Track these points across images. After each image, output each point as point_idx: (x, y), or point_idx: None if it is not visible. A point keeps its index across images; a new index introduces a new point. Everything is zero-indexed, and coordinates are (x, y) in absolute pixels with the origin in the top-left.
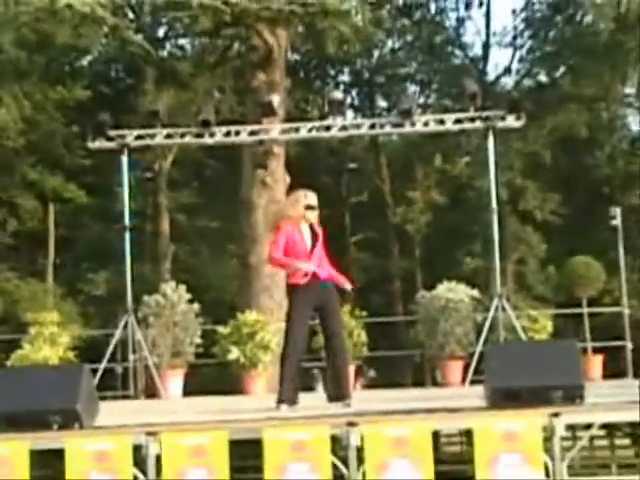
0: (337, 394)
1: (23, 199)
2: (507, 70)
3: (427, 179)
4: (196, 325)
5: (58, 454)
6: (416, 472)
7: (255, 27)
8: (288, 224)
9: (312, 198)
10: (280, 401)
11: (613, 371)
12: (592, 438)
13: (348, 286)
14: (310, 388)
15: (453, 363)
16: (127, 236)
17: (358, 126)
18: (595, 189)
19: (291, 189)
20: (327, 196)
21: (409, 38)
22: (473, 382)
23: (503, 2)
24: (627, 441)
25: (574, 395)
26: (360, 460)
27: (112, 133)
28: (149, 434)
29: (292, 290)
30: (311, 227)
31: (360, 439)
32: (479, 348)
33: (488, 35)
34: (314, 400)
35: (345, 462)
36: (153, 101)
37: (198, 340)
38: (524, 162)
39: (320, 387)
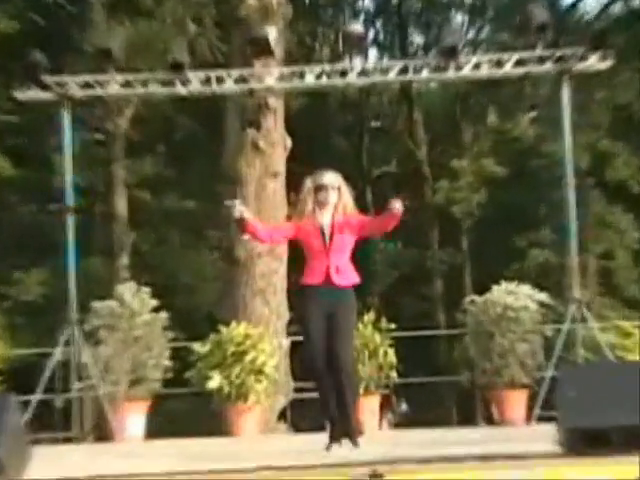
0: (340, 429)
1: None
2: None
3: (478, 143)
4: (164, 342)
5: None
6: None
7: None
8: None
9: (326, 176)
10: (330, 439)
11: None
12: None
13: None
14: (320, 427)
15: (514, 393)
16: (69, 221)
17: (384, 70)
18: None
19: (294, 156)
20: (342, 166)
21: None
22: (542, 419)
23: None
24: None
25: None
26: None
27: (49, 80)
28: None
29: (301, 292)
30: (333, 217)
31: None
32: (550, 373)
33: None
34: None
35: None
36: (104, 36)
37: (166, 362)
38: (612, 118)
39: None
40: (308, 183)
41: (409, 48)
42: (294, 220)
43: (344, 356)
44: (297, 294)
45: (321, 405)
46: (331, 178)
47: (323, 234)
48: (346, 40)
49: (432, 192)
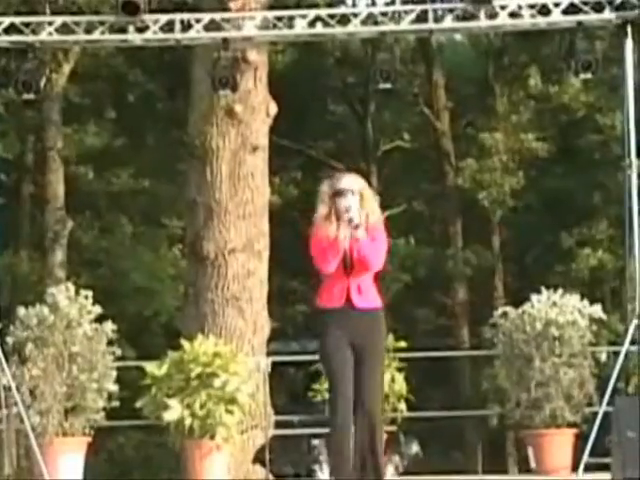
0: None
1: None
2: None
3: (516, 112)
4: (108, 361)
5: None
6: None
7: None
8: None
9: (345, 179)
10: None
11: None
12: None
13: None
14: (308, 472)
15: (557, 434)
16: None
17: (396, 17)
18: None
19: (279, 124)
20: (341, 138)
21: None
22: (593, 468)
23: None
24: None
25: None
26: None
27: None
28: None
29: (317, 316)
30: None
31: None
32: (603, 408)
33: None
34: None
35: None
36: None
37: (112, 387)
38: None
39: (325, 470)
40: (324, 188)
41: None
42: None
43: (371, 404)
44: (314, 318)
45: (336, 458)
46: (351, 182)
47: (344, 252)
48: None
49: (455, 173)
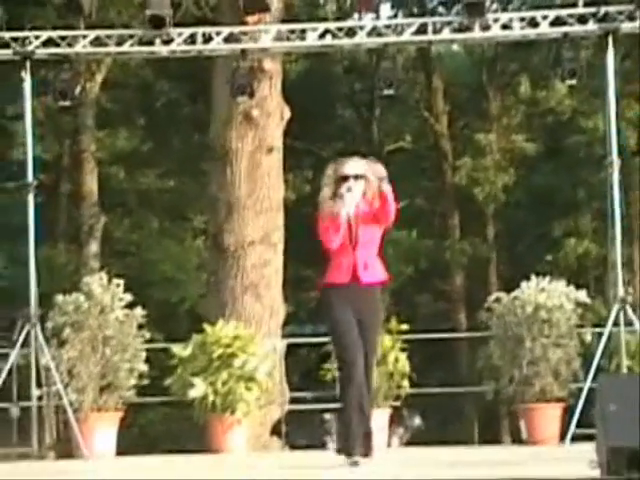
0: (345, 445)
1: None
2: None
3: (507, 115)
4: (138, 343)
5: None
6: None
7: None
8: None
9: (349, 165)
10: (349, 454)
11: None
12: None
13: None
14: (321, 444)
15: (546, 407)
16: (30, 200)
17: (399, 29)
18: None
19: (292, 127)
20: (348, 140)
21: None
22: (579, 438)
23: None
24: None
25: None
26: None
27: (6, 35)
28: None
29: (325, 292)
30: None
31: None
32: (588, 384)
33: None
34: (326, 463)
35: None
36: None
37: (142, 367)
38: None
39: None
40: (329, 171)
41: (428, 4)
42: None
43: (369, 371)
44: (321, 295)
45: (343, 417)
46: (355, 167)
47: (348, 227)
48: None
49: (453, 171)
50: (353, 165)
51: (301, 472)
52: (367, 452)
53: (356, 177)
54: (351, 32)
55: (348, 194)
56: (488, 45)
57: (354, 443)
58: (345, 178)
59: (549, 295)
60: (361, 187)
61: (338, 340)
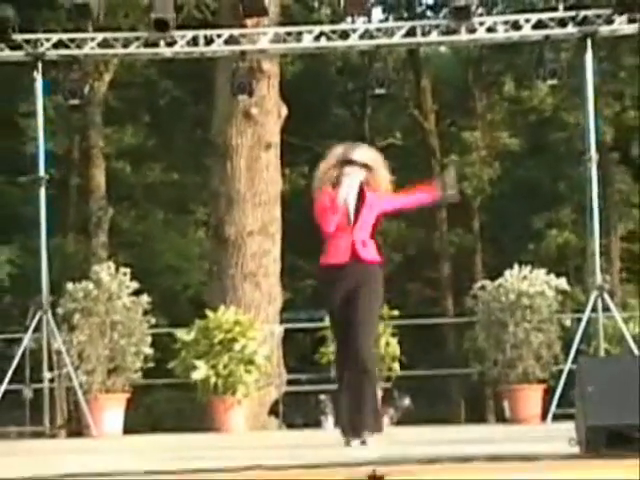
0: (351, 425)
1: None
2: None
3: (492, 113)
4: (145, 328)
5: None
6: None
7: None
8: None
9: (356, 151)
10: (347, 433)
11: None
12: None
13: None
14: (316, 423)
15: (528, 389)
16: (41, 193)
17: (389, 32)
18: None
19: (289, 124)
20: (342, 136)
21: None
22: (559, 417)
23: None
24: None
25: None
26: None
27: (18, 38)
28: None
29: (323, 273)
30: (361, 191)
31: None
32: (568, 366)
33: None
34: (321, 440)
35: None
36: None
37: (148, 350)
38: None
39: (330, 421)
40: (337, 151)
41: (417, 8)
42: (317, 193)
43: (365, 351)
44: (319, 276)
45: (335, 399)
46: (362, 155)
47: (348, 210)
48: None
49: (440, 166)
50: (360, 152)
51: (298, 452)
52: (376, 429)
53: (362, 165)
54: (344, 35)
55: (347, 179)
56: (474, 47)
57: (358, 422)
58: (350, 162)
59: (531, 283)
60: (363, 175)
61: (334, 324)
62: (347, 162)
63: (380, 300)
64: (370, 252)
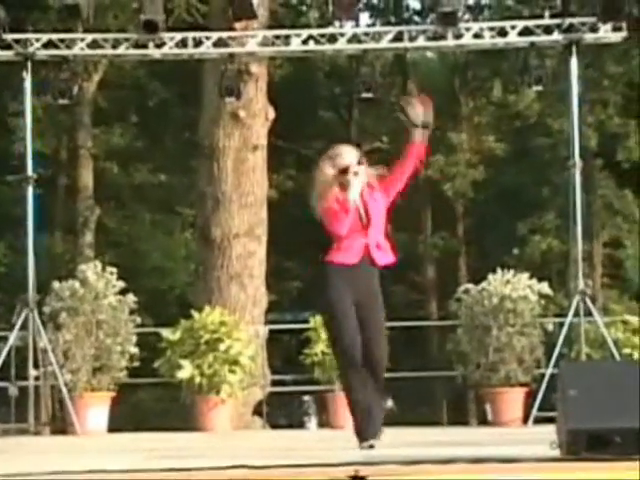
0: (364, 428)
1: None
2: None
3: (478, 117)
4: (130, 327)
5: None
6: None
7: None
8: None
9: (345, 155)
10: (363, 439)
11: None
12: None
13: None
14: (300, 423)
15: (511, 392)
16: (29, 193)
17: (377, 37)
18: None
19: (276, 127)
20: (328, 139)
21: None
22: (540, 420)
23: None
24: None
25: None
26: None
27: (8, 37)
28: None
29: (325, 270)
30: (365, 188)
31: None
32: (550, 370)
33: None
34: (304, 441)
35: None
36: None
37: (133, 350)
38: (624, 94)
39: (313, 422)
40: (328, 170)
41: (404, 13)
42: (319, 212)
43: (380, 352)
44: (321, 272)
45: (351, 401)
46: (351, 156)
47: (359, 211)
48: (336, 3)
49: (425, 169)
50: (349, 153)
51: (281, 452)
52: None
53: (358, 162)
54: (332, 38)
55: (355, 179)
56: (460, 52)
57: (367, 426)
58: (347, 169)
59: (514, 287)
60: (364, 170)
61: (337, 322)
62: (343, 171)
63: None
64: (384, 256)
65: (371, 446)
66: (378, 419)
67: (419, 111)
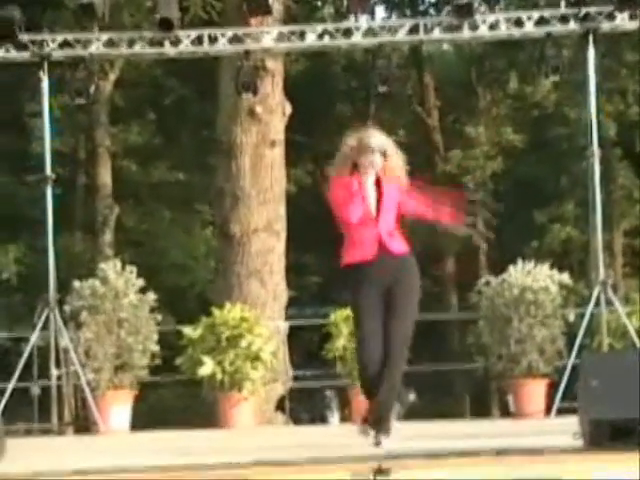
0: (372, 420)
1: None
2: None
3: (496, 109)
4: (151, 325)
5: None
6: None
7: None
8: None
9: (372, 138)
10: (378, 431)
11: None
12: None
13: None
14: (322, 418)
15: (533, 383)
16: (48, 192)
17: (393, 30)
18: None
19: (293, 122)
20: (346, 133)
21: None
22: (563, 411)
23: None
24: None
25: None
26: None
27: (25, 38)
28: None
29: (346, 273)
30: (377, 179)
31: None
32: (572, 361)
33: None
34: (327, 436)
35: None
36: None
37: (154, 347)
38: None
39: (336, 416)
40: (352, 141)
41: (420, 5)
42: (332, 178)
43: (396, 343)
44: (342, 275)
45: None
46: (378, 140)
47: (369, 201)
48: None
49: (444, 162)
50: (376, 138)
51: (304, 448)
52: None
53: (379, 151)
54: (348, 33)
55: (370, 166)
56: (476, 44)
57: (376, 424)
58: (367, 149)
59: (535, 278)
60: (381, 159)
61: (359, 328)
62: (365, 148)
63: (417, 295)
64: (398, 243)
65: (378, 443)
66: (386, 415)
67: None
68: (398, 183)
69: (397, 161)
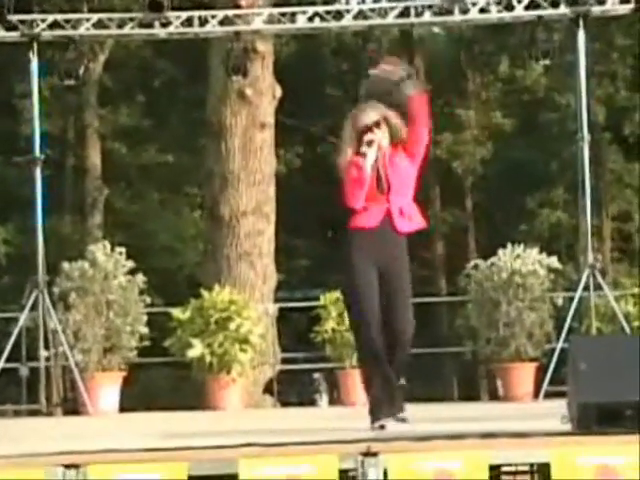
0: (373, 407)
1: None
2: None
3: (486, 93)
4: (140, 307)
5: None
6: None
7: None
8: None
9: (368, 113)
10: (376, 418)
11: None
12: None
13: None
14: (310, 401)
15: (521, 367)
16: (37, 174)
17: (383, 13)
18: None
19: (283, 105)
20: (336, 117)
21: None
22: (551, 395)
23: None
24: None
25: None
26: None
27: (14, 18)
28: (69, 467)
29: (348, 236)
30: (387, 152)
31: (383, 475)
32: (560, 345)
33: None
34: (316, 418)
35: None
36: None
37: (143, 329)
38: (632, 68)
39: (324, 399)
40: (348, 127)
41: None
42: (341, 168)
43: (402, 325)
44: (342, 239)
45: (366, 378)
46: (372, 114)
47: (378, 175)
48: None
49: (434, 146)
50: (370, 113)
51: (292, 430)
52: (398, 410)
53: (377, 124)
54: (338, 15)
55: (369, 149)
56: (467, 27)
57: (380, 405)
58: (365, 129)
59: (523, 262)
60: (384, 133)
61: (355, 292)
62: (362, 130)
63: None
64: (409, 223)
65: (382, 426)
66: (395, 397)
67: (393, 69)
68: (403, 144)
69: (395, 123)
